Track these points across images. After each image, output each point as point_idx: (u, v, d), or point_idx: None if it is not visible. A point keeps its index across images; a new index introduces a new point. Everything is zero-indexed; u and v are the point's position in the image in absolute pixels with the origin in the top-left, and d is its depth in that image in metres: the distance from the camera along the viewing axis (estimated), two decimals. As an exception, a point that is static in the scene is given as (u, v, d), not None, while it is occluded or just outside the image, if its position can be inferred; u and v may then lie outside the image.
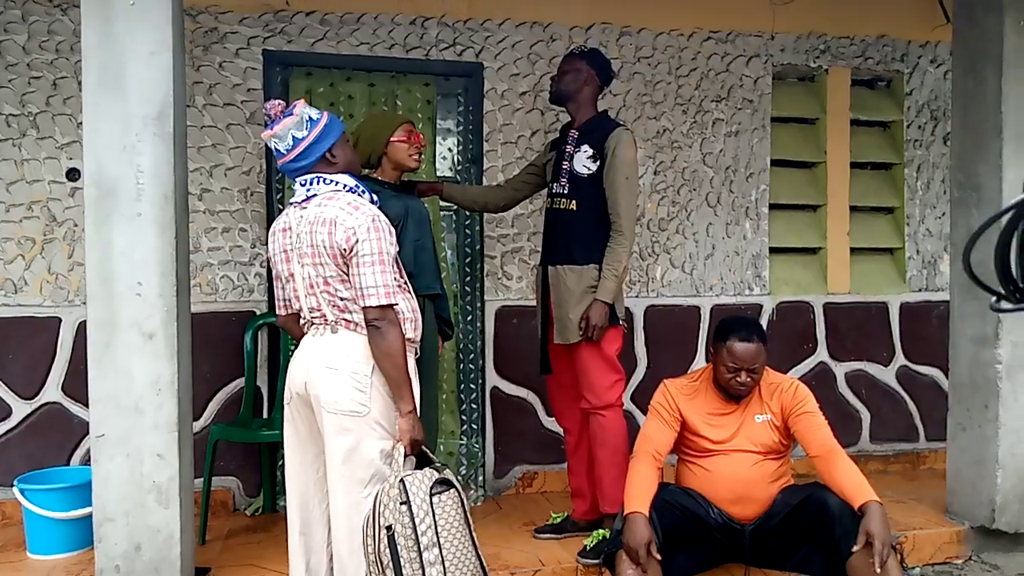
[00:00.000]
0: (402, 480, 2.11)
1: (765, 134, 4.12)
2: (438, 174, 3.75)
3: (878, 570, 2.34)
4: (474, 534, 2.19)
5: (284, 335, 3.47)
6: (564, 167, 3.07)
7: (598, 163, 3.00)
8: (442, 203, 3.55)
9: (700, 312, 4.07)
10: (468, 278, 3.80)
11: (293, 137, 2.22)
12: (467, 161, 3.82)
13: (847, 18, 4.17)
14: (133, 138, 2.49)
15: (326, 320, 2.23)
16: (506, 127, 3.82)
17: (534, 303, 3.29)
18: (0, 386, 3.43)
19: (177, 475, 2.54)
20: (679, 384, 2.82)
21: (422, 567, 2.05)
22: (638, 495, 2.56)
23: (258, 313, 3.58)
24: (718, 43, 4.05)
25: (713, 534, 2.68)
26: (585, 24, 3.89)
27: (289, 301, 2.35)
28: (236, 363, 3.53)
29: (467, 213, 3.73)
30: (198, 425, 3.39)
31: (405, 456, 2.17)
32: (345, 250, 2.14)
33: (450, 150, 3.87)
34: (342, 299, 2.19)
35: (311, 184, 2.24)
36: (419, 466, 2.21)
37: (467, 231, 3.80)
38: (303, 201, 2.24)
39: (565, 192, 3.06)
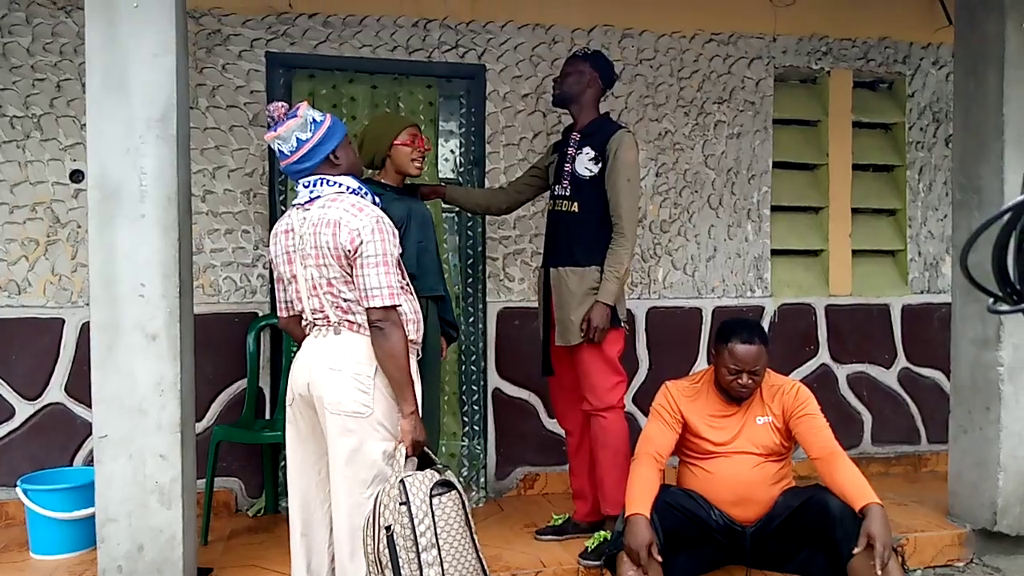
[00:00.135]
0: (402, 481, 2.11)
1: (767, 136, 4.13)
2: (440, 176, 3.76)
3: (879, 572, 2.33)
4: (475, 536, 2.19)
5: (286, 336, 3.48)
6: (566, 169, 3.08)
7: (600, 165, 3.01)
8: (444, 205, 3.56)
9: (702, 314, 4.07)
10: (470, 280, 3.81)
11: (297, 139, 2.22)
12: (469, 163, 3.82)
13: (849, 20, 4.18)
14: (136, 140, 2.50)
15: (329, 321, 2.23)
16: (508, 129, 3.83)
17: (536, 305, 3.29)
18: (3, 387, 3.44)
19: (180, 476, 2.55)
20: (680, 386, 2.82)
21: (420, 568, 2.06)
22: (639, 497, 2.56)
23: (260, 314, 3.58)
24: (720, 45, 4.06)
25: (714, 536, 2.68)
26: (587, 26, 3.89)
27: (291, 303, 2.35)
28: (239, 364, 3.54)
29: (469, 215, 3.74)
30: (201, 426, 3.40)
31: (407, 457, 2.18)
32: (350, 251, 2.15)
33: (452, 152, 3.87)
34: (345, 300, 2.20)
35: (314, 186, 2.24)
36: (421, 467, 2.22)
37: (469, 233, 3.81)
38: (306, 203, 2.25)
39: (567, 194, 3.07)
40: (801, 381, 2.86)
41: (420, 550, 2.07)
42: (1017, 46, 3.13)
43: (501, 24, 3.81)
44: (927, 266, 4.35)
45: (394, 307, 2.17)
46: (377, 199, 2.33)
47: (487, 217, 3.72)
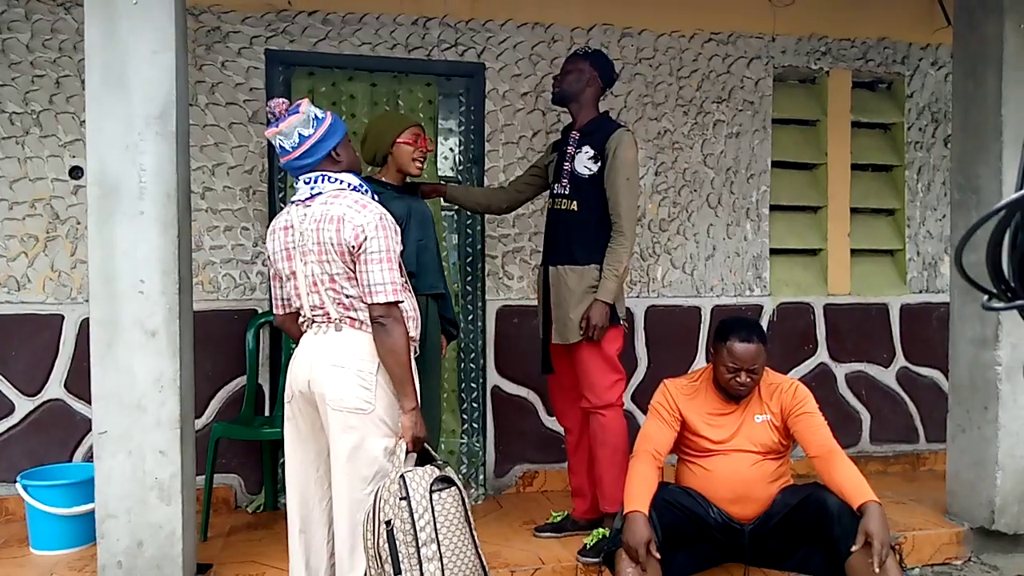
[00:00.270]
0: (402, 476, 2.12)
1: (766, 135, 4.13)
2: (439, 174, 3.76)
3: (877, 570, 2.34)
4: (475, 532, 2.20)
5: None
6: (565, 168, 3.08)
7: (599, 164, 3.01)
8: (443, 203, 3.56)
9: (700, 313, 4.08)
10: (469, 278, 3.81)
11: (299, 135, 2.23)
12: (468, 161, 3.83)
13: (848, 20, 4.18)
14: (136, 137, 2.50)
15: (329, 318, 2.23)
16: (507, 127, 3.83)
17: (535, 303, 3.30)
18: (3, 383, 3.44)
19: (179, 472, 2.56)
20: (679, 384, 2.82)
21: (420, 562, 2.07)
22: (638, 494, 2.57)
23: (260, 311, 3.59)
24: (719, 45, 4.06)
25: (713, 533, 2.68)
26: (586, 25, 3.90)
27: (288, 300, 2.35)
28: (238, 361, 3.54)
29: (468, 213, 3.74)
30: (200, 423, 3.40)
31: (407, 453, 2.18)
32: (354, 247, 2.15)
33: (451, 150, 3.88)
34: (348, 297, 2.20)
35: (315, 182, 2.25)
36: (421, 463, 2.22)
37: (468, 231, 3.81)
38: (307, 199, 2.25)
39: (566, 193, 3.07)
40: (800, 380, 2.85)
41: (420, 545, 2.08)
42: (1016, 47, 3.14)
43: (500, 23, 3.81)
44: (926, 266, 4.36)
45: (397, 303, 2.18)
46: (376, 197, 2.34)
47: (486, 216, 3.72)
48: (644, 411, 2.98)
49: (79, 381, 3.36)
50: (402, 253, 2.30)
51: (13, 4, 3.40)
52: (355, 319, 2.21)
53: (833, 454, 2.62)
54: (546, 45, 3.86)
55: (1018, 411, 3.21)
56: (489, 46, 3.80)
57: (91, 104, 2.50)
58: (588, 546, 2.97)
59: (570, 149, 3.08)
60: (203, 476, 3.16)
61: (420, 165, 2.76)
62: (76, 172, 3.45)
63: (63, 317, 3.47)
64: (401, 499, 2.09)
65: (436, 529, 2.10)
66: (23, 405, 3.46)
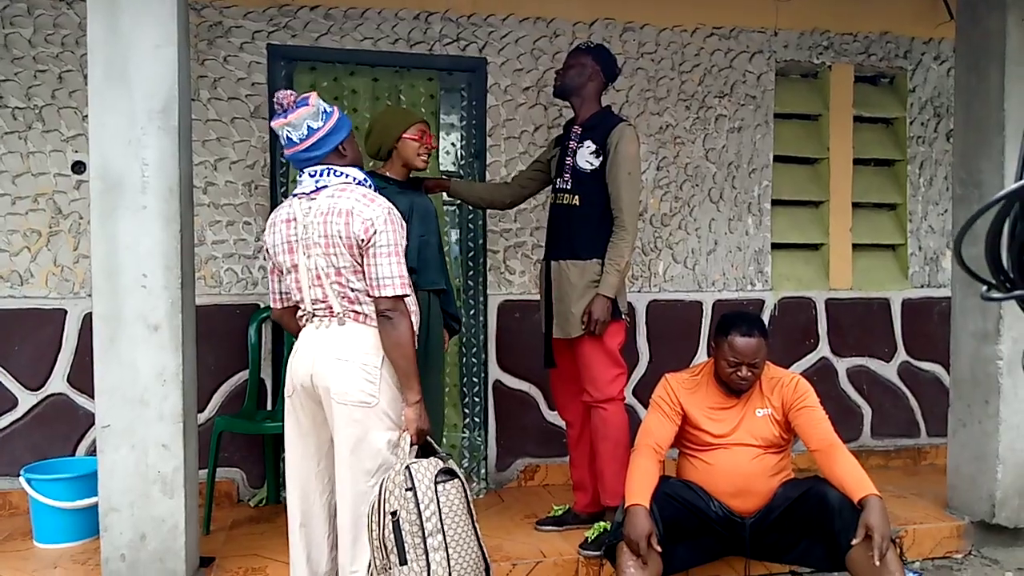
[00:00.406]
0: (407, 467, 2.13)
1: (768, 130, 4.13)
2: (441, 169, 3.76)
3: (877, 563, 2.35)
4: (477, 524, 2.22)
5: (288, 328, 3.49)
6: (567, 163, 3.08)
7: (601, 158, 3.01)
8: (445, 197, 3.57)
9: (702, 307, 4.08)
10: (471, 272, 3.82)
11: (308, 127, 2.23)
12: (470, 156, 3.83)
13: (850, 14, 4.17)
14: (138, 131, 2.51)
15: (332, 312, 2.24)
16: (509, 122, 3.83)
17: (536, 297, 3.31)
18: (6, 377, 3.45)
19: (182, 466, 2.57)
20: (680, 378, 2.83)
21: (426, 552, 2.08)
22: (639, 488, 2.57)
23: (262, 306, 3.59)
24: (721, 39, 4.06)
25: (714, 527, 2.69)
26: (588, 20, 3.89)
27: (287, 293, 2.35)
28: (240, 355, 3.55)
29: (470, 208, 3.74)
30: (202, 417, 3.41)
31: (411, 445, 2.20)
32: (363, 240, 2.16)
33: (453, 145, 3.88)
34: (353, 290, 2.20)
35: (321, 175, 2.25)
36: (423, 456, 2.23)
37: (470, 225, 3.82)
38: (311, 192, 2.25)
39: (568, 187, 3.07)
40: (801, 374, 2.86)
41: (426, 535, 2.10)
42: (1018, 42, 3.13)
43: (502, 17, 3.81)
44: (927, 260, 4.36)
45: (403, 297, 2.19)
46: (379, 192, 2.34)
47: (488, 210, 3.72)
48: (645, 405, 2.98)
49: (82, 375, 3.37)
50: (405, 248, 2.30)
51: (15, -1, 3.41)
52: (359, 313, 2.22)
53: (834, 448, 2.63)
54: (548, 40, 3.86)
55: (1019, 405, 3.21)
56: (491, 41, 3.80)
57: (93, 99, 2.51)
58: (589, 539, 2.98)
59: (572, 144, 3.09)
60: (206, 470, 3.17)
61: (425, 160, 2.76)
62: (78, 167, 3.46)
63: (66, 312, 3.47)
64: (407, 490, 2.11)
65: (441, 519, 2.12)
66: (26, 399, 3.47)
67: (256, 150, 3.61)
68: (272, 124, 2.27)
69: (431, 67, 3.72)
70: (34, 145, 3.45)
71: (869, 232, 4.31)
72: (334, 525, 2.34)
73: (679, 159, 4.03)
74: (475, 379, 3.81)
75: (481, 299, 3.81)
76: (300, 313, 2.32)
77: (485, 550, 2.22)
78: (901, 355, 4.33)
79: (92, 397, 2.62)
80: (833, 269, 4.24)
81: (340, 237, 2.17)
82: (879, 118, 4.36)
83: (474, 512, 2.23)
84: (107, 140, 2.50)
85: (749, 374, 2.68)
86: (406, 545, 2.09)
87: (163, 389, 2.54)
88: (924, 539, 3.25)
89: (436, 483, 2.15)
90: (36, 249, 3.46)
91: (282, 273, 2.33)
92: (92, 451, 3.32)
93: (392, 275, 2.17)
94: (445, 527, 2.12)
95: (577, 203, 3.05)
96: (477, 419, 3.81)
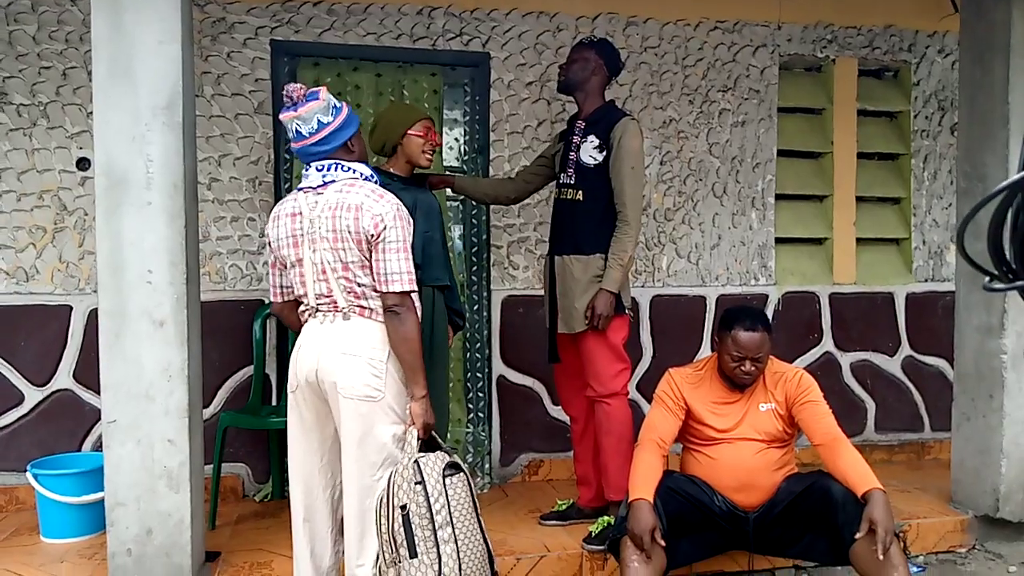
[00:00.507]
0: (416, 461, 2.15)
1: (771, 124, 4.12)
2: (444, 164, 3.77)
3: (881, 557, 2.35)
4: (481, 518, 2.23)
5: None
6: (571, 158, 3.08)
7: (604, 153, 3.01)
8: (449, 193, 3.57)
9: (706, 302, 4.08)
10: (475, 268, 3.82)
11: (319, 121, 2.23)
12: (473, 151, 3.83)
13: (854, 8, 4.16)
14: (143, 128, 2.51)
15: (336, 307, 2.24)
16: (513, 117, 3.83)
17: (540, 293, 3.31)
18: (13, 373, 3.47)
19: (187, 460, 2.58)
20: (684, 373, 2.83)
21: (436, 544, 2.10)
22: (642, 482, 2.58)
23: (266, 302, 3.60)
24: (725, 33, 4.05)
25: (717, 521, 2.69)
26: (591, 14, 3.89)
27: (289, 287, 2.35)
28: (245, 351, 3.56)
29: (473, 203, 3.74)
30: (208, 412, 3.42)
31: (419, 439, 2.21)
32: (373, 236, 2.17)
33: (456, 140, 3.88)
34: (360, 285, 2.21)
35: (328, 170, 2.25)
36: (428, 451, 2.24)
37: (474, 221, 3.82)
38: (319, 186, 2.25)
39: (572, 182, 3.07)
40: (805, 369, 2.86)
41: (436, 528, 2.11)
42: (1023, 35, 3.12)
43: (505, 12, 3.80)
44: (931, 254, 4.35)
45: (411, 293, 2.20)
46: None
47: (492, 206, 3.72)
48: (649, 400, 2.99)
49: (88, 371, 3.39)
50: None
51: (19, -4, 3.42)
52: (365, 307, 2.22)
53: (837, 442, 2.62)
54: (551, 34, 3.85)
55: (1023, 399, 3.21)
56: (494, 35, 3.80)
57: (98, 95, 2.51)
58: (593, 534, 2.99)
59: (576, 139, 3.09)
60: (211, 465, 3.18)
61: (429, 158, 2.77)
62: (83, 163, 3.47)
63: (71, 308, 3.49)
64: (416, 484, 2.13)
65: (450, 512, 2.14)
66: (32, 395, 3.48)
67: (260, 146, 3.62)
68: (281, 116, 2.27)
69: (434, 62, 3.72)
70: (39, 142, 3.46)
71: (873, 226, 4.31)
72: (337, 520, 2.35)
73: (682, 153, 4.03)
74: (479, 374, 3.82)
75: (485, 294, 3.82)
76: (302, 308, 2.32)
77: (489, 544, 2.24)
78: (905, 349, 4.33)
79: (98, 393, 2.63)
80: (837, 263, 4.23)
81: (349, 232, 2.17)
82: (883, 112, 4.35)
83: (478, 505, 2.25)
84: (111, 136, 2.51)
85: (753, 369, 2.68)
86: (416, 538, 2.10)
87: (168, 384, 2.55)
88: (928, 533, 3.25)
89: (444, 476, 2.16)
90: (41, 245, 3.47)
91: (285, 267, 2.33)
92: (98, 446, 3.34)
93: (400, 271, 2.18)
94: (454, 519, 2.14)
95: (581, 198, 3.05)
96: (481, 414, 3.81)
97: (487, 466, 3.78)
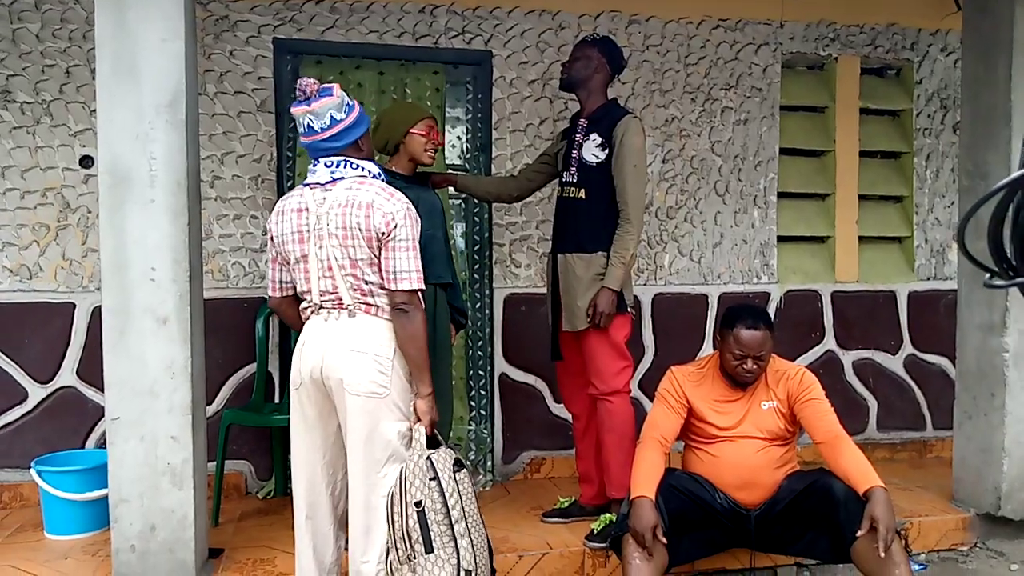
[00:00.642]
0: (428, 458, 2.17)
1: (774, 122, 4.12)
2: (447, 162, 3.77)
3: (882, 555, 2.35)
4: (480, 512, 2.27)
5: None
6: (574, 156, 3.09)
7: (607, 151, 3.02)
8: (452, 191, 3.57)
9: (708, 300, 4.08)
10: (477, 266, 3.83)
11: (332, 117, 2.23)
12: (476, 149, 3.83)
13: (857, 6, 4.16)
14: (146, 126, 2.52)
15: (341, 304, 2.23)
16: (515, 115, 3.83)
17: (542, 291, 3.31)
18: (16, 370, 3.48)
19: (191, 457, 2.59)
20: (686, 371, 2.84)
21: (453, 538, 2.13)
22: (644, 480, 2.58)
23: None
24: (727, 31, 4.05)
25: (719, 519, 2.70)
26: (594, 12, 3.89)
27: (289, 283, 2.35)
28: (248, 348, 3.57)
29: (476, 201, 3.75)
30: (211, 409, 3.43)
31: (426, 436, 2.23)
32: (383, 234, 2.17)
33: (459, 138, 3.88)
34: (367, 283, 2.21)
35: (337, 167, 2.24)
36: (430, 448, 2.25)
37: (476, 219, 3.82)
38: (327, 183, 2.24)
39: (574, 181, 3.08)
40: (807, 367, 2.86)
41: (452, 522, 2.14)
42: (1026, 32, 3.12)
43: (508, 10, 3.80)
44: (933, 253, 4.35)
45: (419, 291, 2.21)
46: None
47: (494, 204, 3.73)
48: (651, 398, 2.99)
49: (91, 368, 3.39)
50: None
51: (23, -6, 3.43)
52: (371, 305, 2.23)
53: (839, 440, 2.63)
54: (553, 32, 3.85)
55: (1025, 398, 3.22)
56: (496, 34, 3.80)
57: (101, 93, 2.52)
58: (595, 531, 2.99)
59: (578, 137, 3.09)
60: (214, 462, 3.19)
61: (432, 157, 2.77)
62: (86, 161, 3.48)
63: (75, 305, 3.50)
64: (431, 480, 2.14)
65: (463, 507, 2.17)
66: (36, 392, 3.49)
67: (263, 144, 3.62)
68: (293, 110, 2.26)
69: (437, 60, 3.72)
70: (42, 140, 3.46)
71: (875, 225, 4.31)
72: (340, 516, 2.36)
73: (685, 152, 4.03)
74: (481, 372, 3.83)
75: (487, 293, 3.82)
76: (305, 304, 2.31)
77: (488, 537, 2.28)
78: (907, 348, 4.33)
79: (101, 390, 2.64)
80: (839, 262, 4.23)
81: (360, 229, 2.17)
82: (885, 110, 4.35)
83: (477, 500, 2.29)
84: (115, 134, 2.52)
85: (754, 367, 2.68)
86: (432, 534, 2.12)
87: (172, 381, 2.56)
88: (930, 531, 3.25)
89: (454, 472, 2.20)
90: (45, 243, 3.48)
91: (287, 263, 2.31)
92: (102, 443, 3.36)
93: (409, 269, 2.19)
94: (466, 514, 2.17)
95: (583, 196, 3.05)
96: (483, 412, 3.82)
97: (489, 463, 3.78)
